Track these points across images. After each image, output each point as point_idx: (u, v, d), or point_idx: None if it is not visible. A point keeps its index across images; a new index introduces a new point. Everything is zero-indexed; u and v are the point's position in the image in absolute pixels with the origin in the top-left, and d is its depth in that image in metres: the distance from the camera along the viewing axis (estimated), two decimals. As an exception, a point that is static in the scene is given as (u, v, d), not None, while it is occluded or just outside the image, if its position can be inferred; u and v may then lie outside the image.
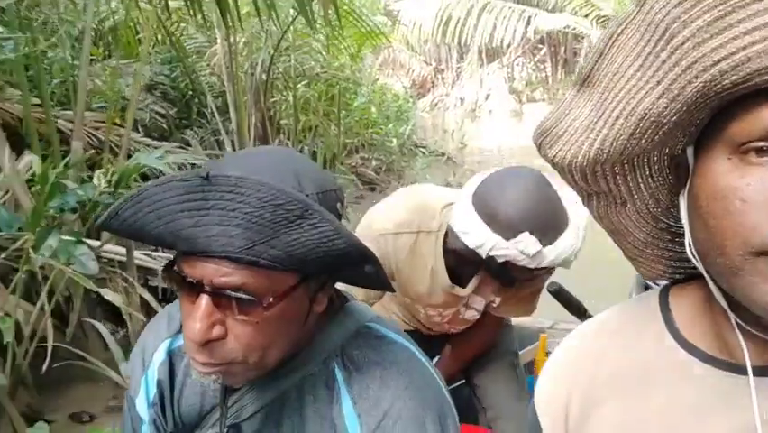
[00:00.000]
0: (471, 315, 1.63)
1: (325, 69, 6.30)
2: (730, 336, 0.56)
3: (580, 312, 1.72)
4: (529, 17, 11.45)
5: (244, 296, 0.72)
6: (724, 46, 0.47)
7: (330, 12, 3.45)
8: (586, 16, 11.35)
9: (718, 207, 0.50)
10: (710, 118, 0.53)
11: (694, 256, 0.56)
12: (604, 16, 11.10)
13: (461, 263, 1.42)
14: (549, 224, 1.24)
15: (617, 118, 0.53)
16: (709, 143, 0.53)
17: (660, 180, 0.61)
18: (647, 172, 0.60)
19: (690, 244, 0.56)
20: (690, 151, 0.56)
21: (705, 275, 0.56)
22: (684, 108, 0.50)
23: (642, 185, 0.61)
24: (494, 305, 1.58)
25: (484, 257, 1.26)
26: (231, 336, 0.74)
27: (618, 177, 0.60)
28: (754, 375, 0.54)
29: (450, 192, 1.55)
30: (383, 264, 1.36)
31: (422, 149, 8.51)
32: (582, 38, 11.98)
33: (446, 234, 1.42)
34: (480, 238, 1.25)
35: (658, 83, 0.50)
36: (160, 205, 0.70)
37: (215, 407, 0.90)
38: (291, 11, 5.12)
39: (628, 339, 0.65)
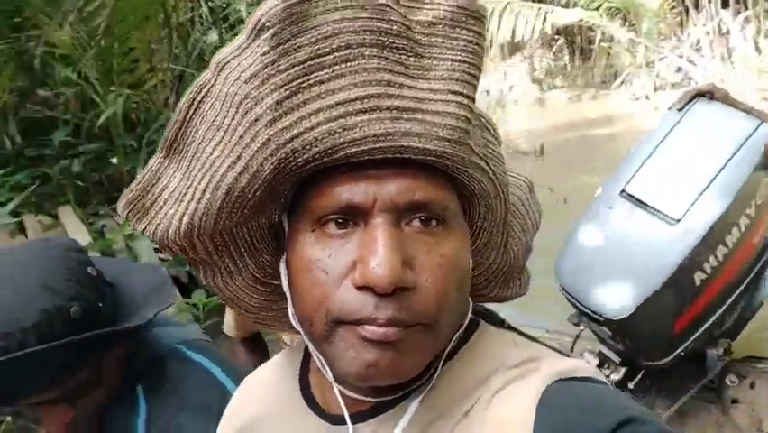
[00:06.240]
0: None
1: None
2: (330, 391, 0.58)
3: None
4: (546, 13, 12.83)
5: None
6: (294, 126, 0.47)
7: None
8: (596, 9, 12.74)
9: (306, 279, 0.50)
10: (296, 189, 0.53)
11: (296, 323, 0.55)
12: (612, 7, 12.50)
13: None
14: None
15: (204, 191, 0.51)
16: (296, 215, 0.53)
17: (263, 247, 0.59)
18: (249, 241, 0.58)
19: (292, 314, 0.55)
20: (284, 218, 0.56)
21: (306, 340, 0.56)
22: (266, 185, 0.50)
23: (245, 254, 0.58)
24: None
25: None
26: None
27: (221, 248, 0.56)
28: (352, 423, 0.55)
29: None
30: None
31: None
32: (594, 29, 13.34)
33: None
34: None
35: (238, 158, 0.49)
36: None
37: None
38: None
39: (273, 386, 0.67)
